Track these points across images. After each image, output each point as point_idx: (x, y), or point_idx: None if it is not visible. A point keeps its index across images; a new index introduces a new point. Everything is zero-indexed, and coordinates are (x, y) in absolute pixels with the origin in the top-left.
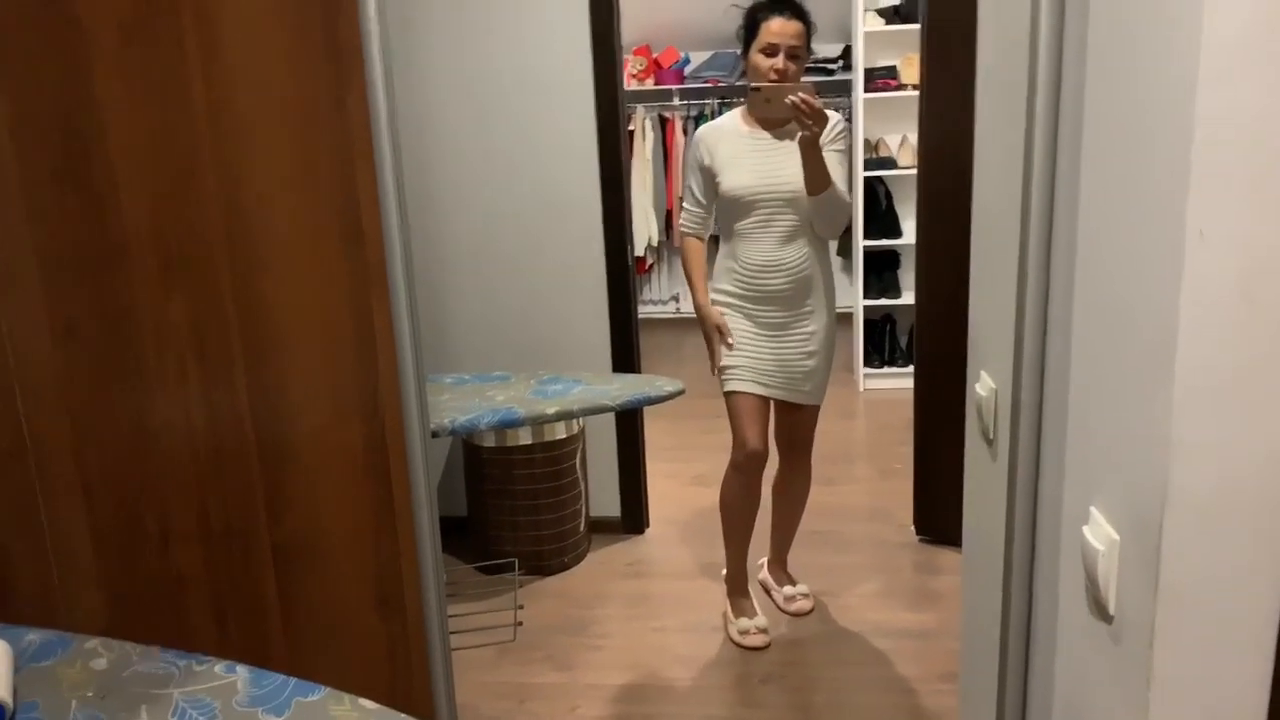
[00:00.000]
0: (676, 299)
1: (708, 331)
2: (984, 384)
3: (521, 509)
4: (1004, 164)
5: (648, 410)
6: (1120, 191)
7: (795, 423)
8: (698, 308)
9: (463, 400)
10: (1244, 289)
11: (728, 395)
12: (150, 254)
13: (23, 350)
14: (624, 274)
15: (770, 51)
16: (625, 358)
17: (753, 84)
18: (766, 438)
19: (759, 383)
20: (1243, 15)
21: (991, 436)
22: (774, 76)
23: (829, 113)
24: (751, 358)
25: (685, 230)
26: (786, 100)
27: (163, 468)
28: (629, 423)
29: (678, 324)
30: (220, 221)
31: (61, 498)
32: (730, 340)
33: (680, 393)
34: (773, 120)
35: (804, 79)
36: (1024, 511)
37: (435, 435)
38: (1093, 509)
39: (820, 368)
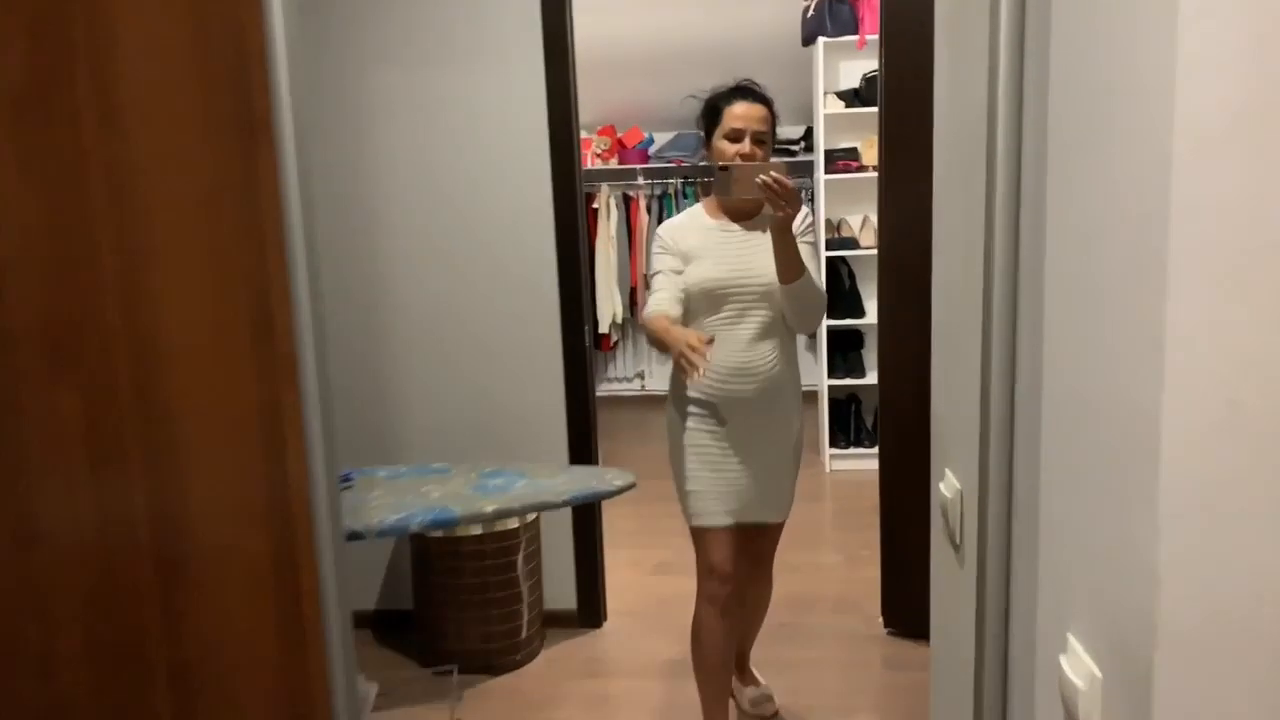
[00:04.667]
0: (641, 376)
1: (680, 348)
2: (948, 483)
3: (470, 603)
4: (964, 247)
5: None
6: (1088, 282)
7: (761, 539)
8: (664, 331)
9: (396, 497)
10: (1229, 395)
11: (694, 529)
12: (38, 342)
13: None
14: (581, 356)
15: (735, 137)
16: (583, 443)
17: (720, 164)
18: (736, 559)
19: (727, 511)
20: (1222, 96)
21: (958, 541)
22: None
23: None
24: (717, 483)
25: (650, 311)
26: (757, 180)
27: (47, 579)
28: (585, 508)
29: (642, 401)
30: (118, 309)
31: None
32: (706, 354)
33: (631, 486)
34: (741, 210)
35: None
36: (995, 634)
37: (360, 538)
38: (1070, 636)
39: (787, 482)
